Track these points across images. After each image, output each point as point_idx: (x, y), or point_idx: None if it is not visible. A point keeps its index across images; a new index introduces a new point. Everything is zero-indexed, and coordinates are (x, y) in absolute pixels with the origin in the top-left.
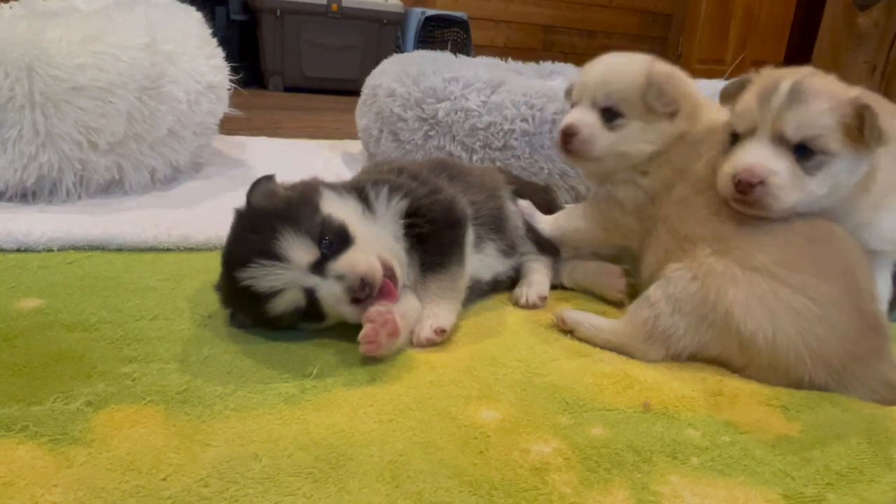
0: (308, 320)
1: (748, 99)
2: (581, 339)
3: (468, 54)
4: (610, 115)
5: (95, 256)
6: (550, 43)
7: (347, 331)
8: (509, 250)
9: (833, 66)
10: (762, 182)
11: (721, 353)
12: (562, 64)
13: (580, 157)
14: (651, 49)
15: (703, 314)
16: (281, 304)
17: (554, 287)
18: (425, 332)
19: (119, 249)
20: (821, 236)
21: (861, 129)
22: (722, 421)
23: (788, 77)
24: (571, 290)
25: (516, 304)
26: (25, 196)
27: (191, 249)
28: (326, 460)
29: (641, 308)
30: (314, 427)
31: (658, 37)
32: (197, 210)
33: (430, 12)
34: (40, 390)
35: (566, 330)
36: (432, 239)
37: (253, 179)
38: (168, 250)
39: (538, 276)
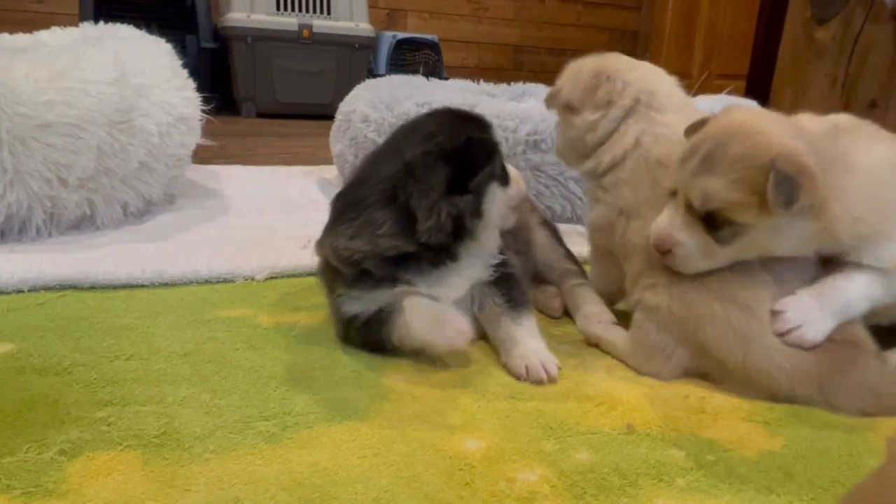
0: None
1: (678, 157)
2: (604, 352)
3: (440, 76)
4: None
5: (68, 296)
6: (520, 62)
7: (330, 365)
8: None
9: (795, 78)
10: (669, 251)
11: (700, 366)
12: (533, 84)
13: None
14: None
15: (680, 335)
16: (498, 166)
17: None
18: (553, 370)
19: (92, 288)
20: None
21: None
22: (706, 439)
23: (715, 136)
24: None
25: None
26: None
27: (165, 285)
28: (310, 501)
29: (633, 332)
30: (296, 466)
31: (625, 53)
32: (171, 243)
33: (402, 35)
34: (12, 440)
35: (592, 343)
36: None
37: (227, 209)
38: (142, 286)
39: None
